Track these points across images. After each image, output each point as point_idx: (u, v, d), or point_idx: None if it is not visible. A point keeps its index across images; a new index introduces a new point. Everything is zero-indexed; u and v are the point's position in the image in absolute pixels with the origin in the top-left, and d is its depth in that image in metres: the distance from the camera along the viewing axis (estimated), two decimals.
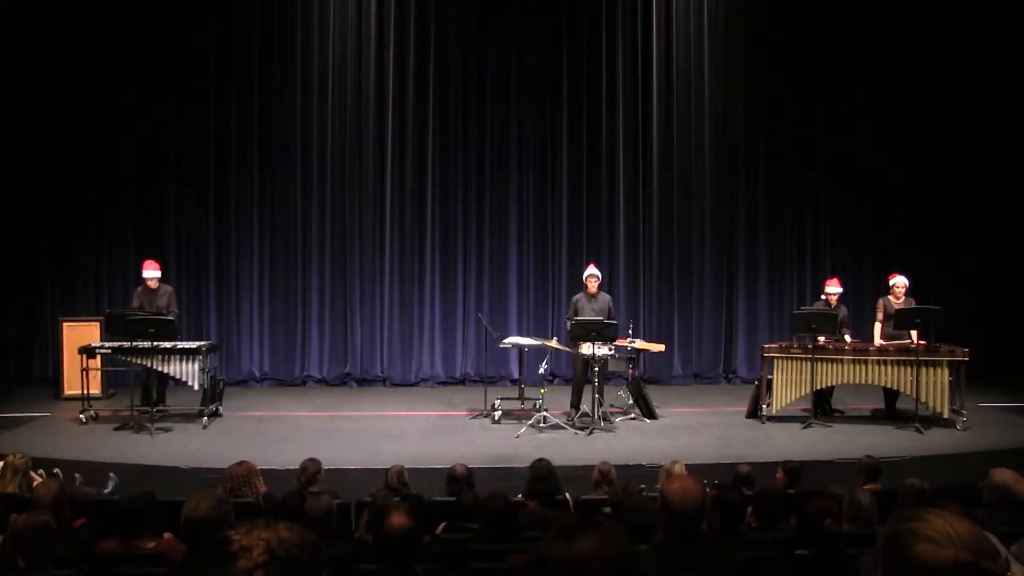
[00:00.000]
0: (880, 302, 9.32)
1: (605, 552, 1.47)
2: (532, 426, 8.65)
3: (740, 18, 11.60)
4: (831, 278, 9.60)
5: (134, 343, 8.68)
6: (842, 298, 9.34)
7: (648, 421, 9.13)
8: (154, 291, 9.28)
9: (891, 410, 9.26)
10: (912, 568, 1.42)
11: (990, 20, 11.12)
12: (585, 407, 8.87)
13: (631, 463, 7.23)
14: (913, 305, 9.09)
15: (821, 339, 8.92)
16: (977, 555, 1.41)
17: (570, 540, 1.47)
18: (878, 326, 9.21)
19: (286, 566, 1.28)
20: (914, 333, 8.98)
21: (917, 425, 8.54)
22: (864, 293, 11.08)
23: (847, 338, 9.09)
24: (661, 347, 10.15)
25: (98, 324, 10.04)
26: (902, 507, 1.81)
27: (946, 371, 8.65)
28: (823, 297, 9.34)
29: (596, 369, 8.54)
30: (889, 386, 8.94)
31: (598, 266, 9.66)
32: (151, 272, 9.30)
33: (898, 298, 9.15)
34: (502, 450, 7.90)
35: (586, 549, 1.46)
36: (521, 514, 4.65)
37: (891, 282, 9.28)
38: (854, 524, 4.20)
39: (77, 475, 6.42)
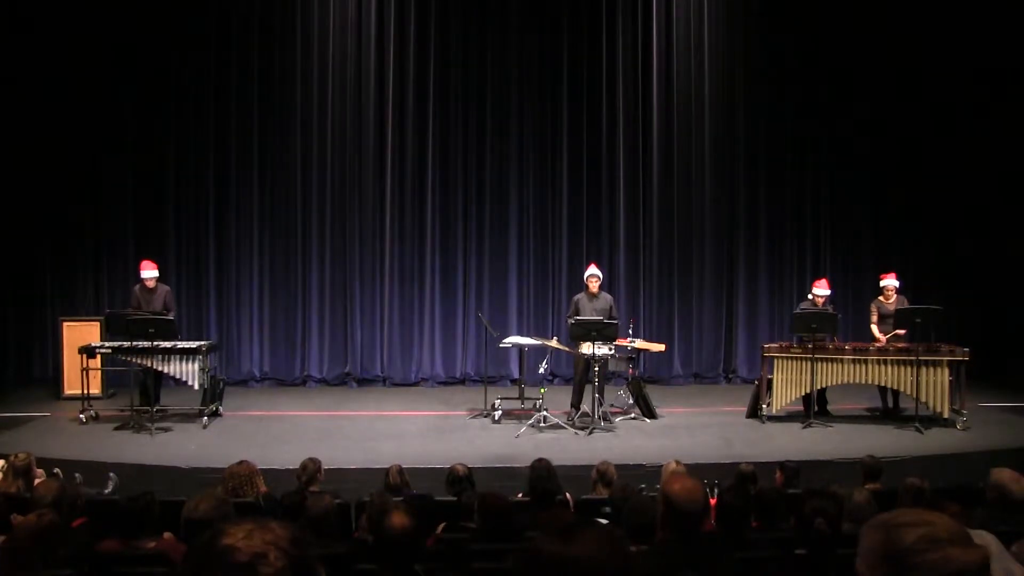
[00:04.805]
0: (873, 305, 9.45)
1: (602, 554, 1.45)
2: (532, 426, 8.65)
3: (740, 18, 11.61)
4: (819, 279, 9.61)
5: (134, 343, 8.69)
6: (829, 301, 9.34)
7: (648, 421, 9.13)
8: (152, 291, 9.30)
9: (894, 408, 9.30)
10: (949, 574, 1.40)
11: (990, 19, 11.11)
12: (585, 407, 8.87)
13: (631, 463, 7.23)
14: (905, 305, 9.15)
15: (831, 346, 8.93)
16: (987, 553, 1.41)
17: (567, 541, 1.45)
18: (874, 327, 9.32)
19: (299, 565, 1.26)
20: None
21: (917, 425, 8.55)
22: (864, 293, 11.08)
23: None
24: (661, 347, 10.16)
25: (98, 324, 10.05)
26: (897, 509, 1.79)
27: (946, 371, 8.66)
28: (809, 297, 9.35)
29: (596, 369, 8.54)
30: (889, 386, 8.97)
31: (599, 266, 9.66)
32: (149, 272, 9.31)
33: (888, 299, 9.25)
34: (502, 450, 7.90)
35: (583, 551, 1.44)
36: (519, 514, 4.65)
37: (881, 284, 9.40)
38: (854, 524, 4.20)
39: (77, 475, 6.42)
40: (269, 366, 11.35)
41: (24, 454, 5.58)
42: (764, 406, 9.02)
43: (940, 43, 11.21)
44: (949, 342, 8.89)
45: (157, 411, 8.73)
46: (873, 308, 9.42)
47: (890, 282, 9.32)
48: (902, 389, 8.85)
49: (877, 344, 8.99)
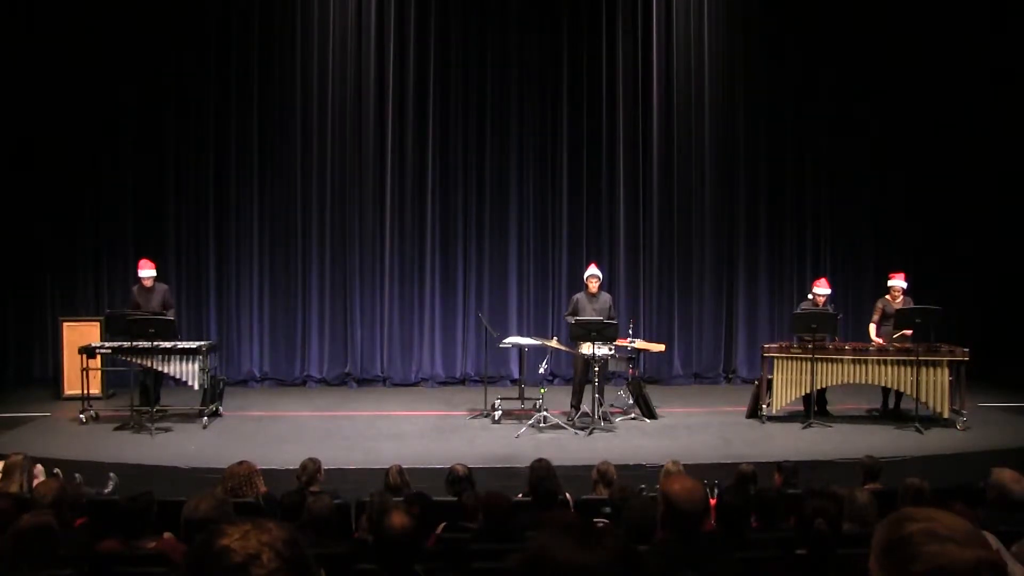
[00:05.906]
0: (879, 303, 9.40)
1: (619, 563, 1.40)
2: (532, 426, 8.65)
3: (740, 18, 11.61)
4: (819, 279, 9.60)
5: (134, 343, 8.69)
6: (829, 300, 9.34)
7: (648, 421, 9.13)
8: (150, 290, 9.31)
9: (895, 408, 9.30)
10: (936, 571, 1.40)
11: (990, 19, 11.11)
12: (585, 407, 8.87)
13: (631, 463, 7.24)
14: (912, 305, 9.14)
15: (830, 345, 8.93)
16: (995, 553, 1.41)
17: (583, 547, 1.38)
18: (872, 327, 9.31)
19: (294, 566, 1.26)
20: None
21: (917, 425, 8.55)
22: (864, 293, 11.11)
23: None
24: (661, 347, 10.16)
25: (98, 324, 10.05)
26: (899, 508, 1.79)
27: (946, 371, 8.66)
28: (810, 297, 9.35)
29: (596, 369, 8.54)
30: (889, 386, 8.97)
31: (599, 266, 9.66)
32: (146, 271, 9.31)
33: (895, 299, 9.25)
34: (502, 450, 7.90)
35: (600, 559, 1.39)
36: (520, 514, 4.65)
37: (889, 283, 9.38)
38: (854, 524, 4.20)
39: (77, 475, 6.42)
40: (269, 366, 11.35)
41: (19, 455, 5.58)
42: (764, 406, 9.02)
43: (940, 43, 11.21)
44: (949, 342, 8.89)
45: (157, 411, 8.73)
46: (878, 306, 9.39)
47: (898, 283, 9.29)
48: (902, 389, 8.85)
49: (877, 344, 8.99)
